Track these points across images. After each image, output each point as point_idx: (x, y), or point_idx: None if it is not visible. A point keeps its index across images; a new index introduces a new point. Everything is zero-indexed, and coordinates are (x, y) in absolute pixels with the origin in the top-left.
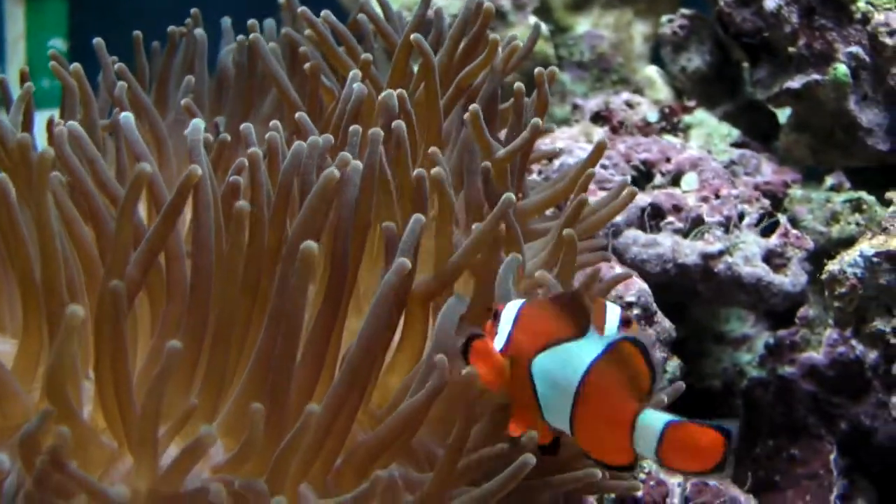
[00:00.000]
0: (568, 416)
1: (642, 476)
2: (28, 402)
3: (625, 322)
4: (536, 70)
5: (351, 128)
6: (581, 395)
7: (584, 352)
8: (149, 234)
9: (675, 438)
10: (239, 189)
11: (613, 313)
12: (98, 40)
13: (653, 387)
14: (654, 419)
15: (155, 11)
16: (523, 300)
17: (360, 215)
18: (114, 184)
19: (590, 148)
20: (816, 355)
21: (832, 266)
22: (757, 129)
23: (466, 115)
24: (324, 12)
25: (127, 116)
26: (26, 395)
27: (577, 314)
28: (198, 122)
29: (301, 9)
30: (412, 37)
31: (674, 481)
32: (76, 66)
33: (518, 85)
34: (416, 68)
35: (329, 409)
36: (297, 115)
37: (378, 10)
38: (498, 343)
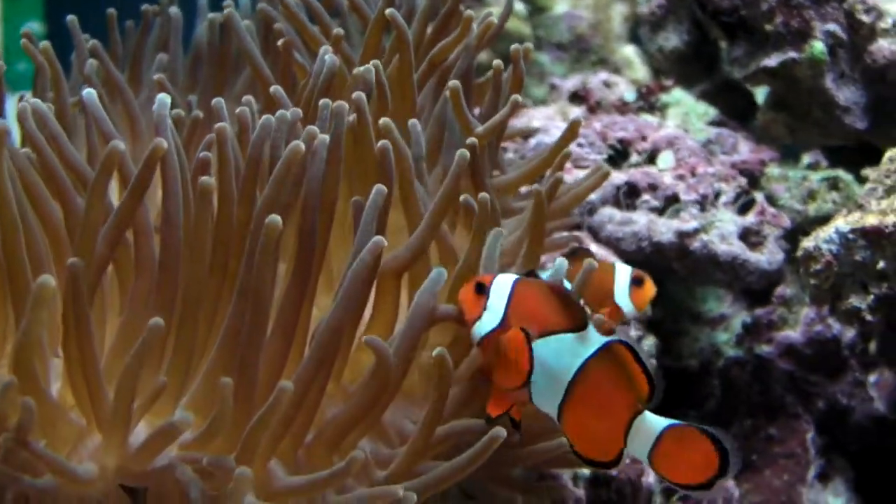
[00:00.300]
0: (558, 404)
1: None
2: None
3: (636, 281)
4: (512, 47)
5: (321, 101)
6: (576, 388)
7: (581, 346)
8: (116, 209)
9: (672, 444)
10: (209, 165)
11: (623, 273)
12: (71, 18)
13: (652, 393)
14: (654, 421)
15: None
16: (515, 277)
17: (326, 190)
18: (80, 161)
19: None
20: (794, 334)
21: (807, 243)
22: (734, 108)
23: (446, 92)
24: None
25: (90, 93)
26: None
27: (576, 306)
28: (164, 97)
29: None
30: (386, 11)
31: None
32: (45, 44)
33: (497, 62)
34: (388, 45)
35: (299, 384)
36: (271, 88)
37: None
38: (491, 321)
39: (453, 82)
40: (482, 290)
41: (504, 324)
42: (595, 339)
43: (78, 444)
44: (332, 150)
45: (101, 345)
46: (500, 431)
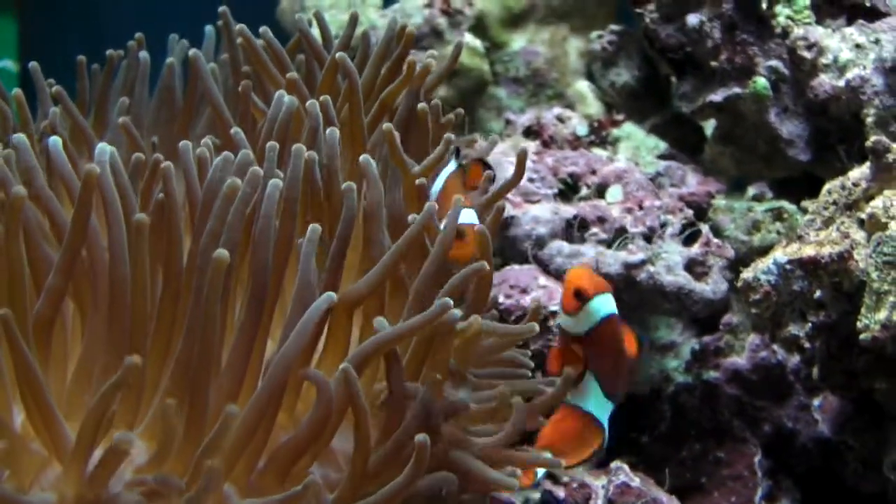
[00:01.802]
0: None
1: (565, 479)
2: None
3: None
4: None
5: (268, 144)
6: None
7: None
8: (65, 241)
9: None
10: (163, 205)
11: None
12: (34, 65)
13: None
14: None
15: (104, 30)
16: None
17: (283, 228)
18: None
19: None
20: (740, 360)
21: (746, 274)
22: (684, 142)
23: (383, 133)
24: (262, 29)
25: (55, 140)
26: None
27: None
28: (103, 146)
29: (239, 26)
30: (337, 55)
31: (597, 483)
32: (18, 92)
33: (422, 106)
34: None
35: (251, 413)
36: (231, 130)
37: (317, 31)
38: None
39: (387, 125)
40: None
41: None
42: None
43: (40, 473)
44: (289, 189)
45: (64, 372)
46: (423, 437)
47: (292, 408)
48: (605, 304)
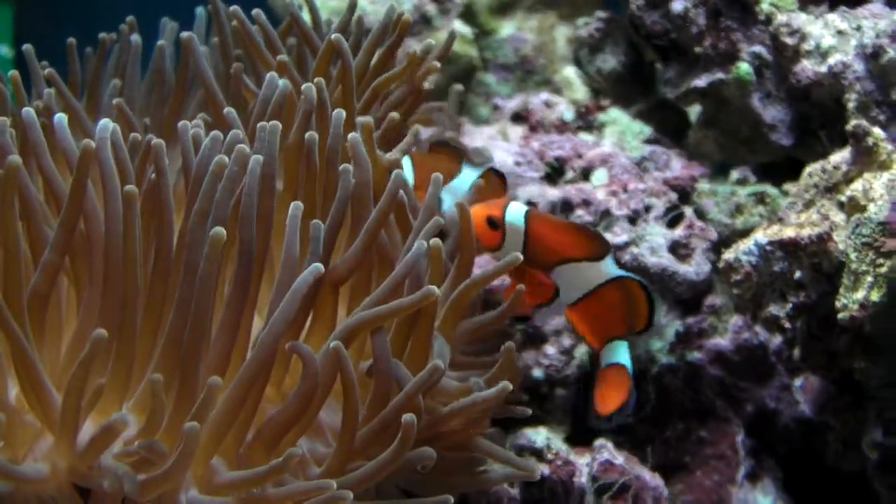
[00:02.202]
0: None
1: (550, 456)
2: None
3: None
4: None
5: (259, 124)
6: (587, 302)
7: (598, 272)
8: (61, 216)
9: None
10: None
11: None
12: (27, 47)
13: (647, 330)
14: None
15: (99, 16)
16: (525, 208)
17: (263, 205)
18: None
19: (506, 146)
20: (722, 341)
21: (728, 255)
22: (669, 127)
23: (359, 127)
24: (255, 12)
25: (61, 117)
26: None
27: (593, 238)
28: (106, 122)
29: (233, 8)
30: (333, 37)
31: (581, 461)
32: (14, 73)
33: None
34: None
35: (239, 387)
36: (224, 110)
37: (308, 16)
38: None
39: (365, 118)
40: (496, 227)
41: (525, 251)
42: (611, 271)
43: (33, 444)
44: (266, 166)
45: (59, 345)
46: (410, 417)
47: (280, 382)
48: (517, 212)
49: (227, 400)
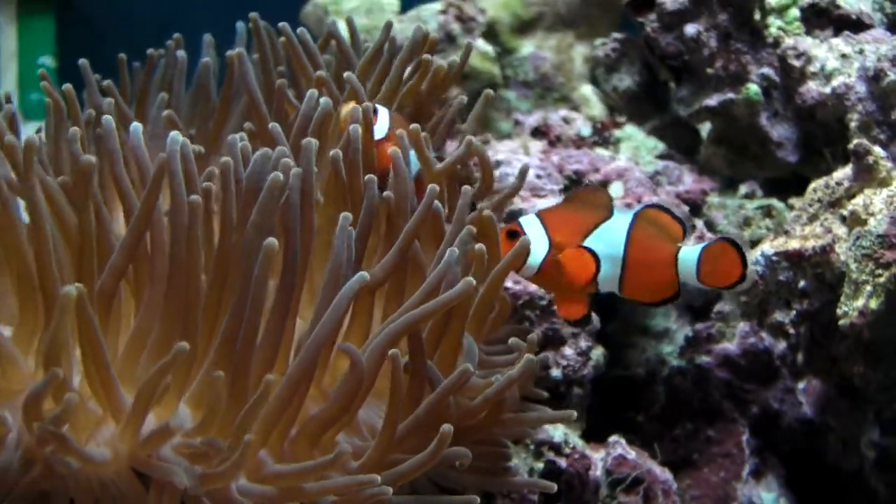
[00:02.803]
0: (618, 279)
1: (567, 450)
2: (26, 370)
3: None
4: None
5: (303, 140)
6: (628, 257)
7: (618, 225)
8: (132, 222)
9: (709, 259)
10: (211, 193)
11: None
12: (83, 61)
13: (685, 234)
14: (691, 250)
15: (136, 29)
16: (532, 213)
17: (305, 217)
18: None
19: (527, 159)
20: (730, 346)
21: None
22: (681, 143)
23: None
24: (300, 30)
25: (136, 127)
26: (25, 364)
27: (596, 201)
28: (175, 134)
29: (281, 24)
30: (344, 74)
31: (596, 455)
32: (69, 87)
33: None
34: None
35: (286, 386)
36: (269, 125)
37: (345, 32)
38: (540, 250)
39: (414, 126)
40: (516, 235)
41: (551, 249)
42: (625, 215)
43: (94, 430)
44: (303, 181)
45: (116, 341)
46: (448, 427)
47: (320, 379)
48: (528, 215)
49: (277, 397)
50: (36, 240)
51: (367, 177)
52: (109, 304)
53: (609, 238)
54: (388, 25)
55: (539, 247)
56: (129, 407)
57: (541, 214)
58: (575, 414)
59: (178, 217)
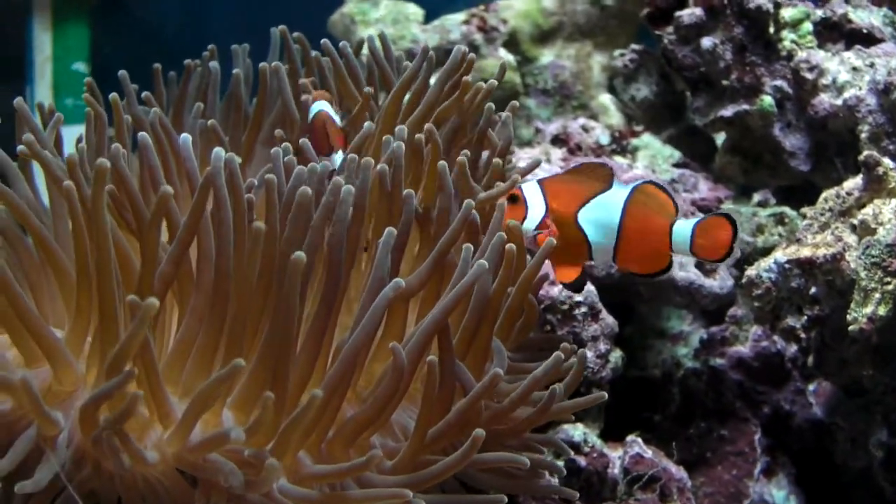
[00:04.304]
0: (612, 249)
1: (586, 449)
2: (79, 371)
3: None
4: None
5: (349, 155)
6: (624, 227)
7: (616, 196)
8: (178, 234)
9: (703, 232)
10: (252, 206)
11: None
12: (123, 72)
13: (677, 212)
14: (686, 222)
15: (168, 36)
16: (535, 180)
17: (352, 231)
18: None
19: (549, 168)
20: (743, 349)
21: (750, 271)
22: (697, 152)
23: (456, 167)
24: (342, 44)
25: (186, 137)
26: (77, 365)
27: (596, 173)
28: (219, 151)
29: (324, 42)
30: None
31: (615, 454)
32: (114, 96)
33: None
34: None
35: (326, 391)
36: (301, 141)
37: (378, 44)
38: (537, 216)
39: (461, 158)
40: (517, 200)
41: (547, 215)
42: (623, 188)
43: (143, 432)
44: (358, 198)
45: (161, 344)
46: (480, 432)
47: (355, 383)
48: (529, 182)
49: (316, 402)
50: (98, 247)
51: (406, 192)
52: (158, 310)
53: (606, 208)
54: (426, 50)
55: (536, 211)
56: (176, 411)
57: (541, 182)
58: (605, 395)
59: (224, 233)
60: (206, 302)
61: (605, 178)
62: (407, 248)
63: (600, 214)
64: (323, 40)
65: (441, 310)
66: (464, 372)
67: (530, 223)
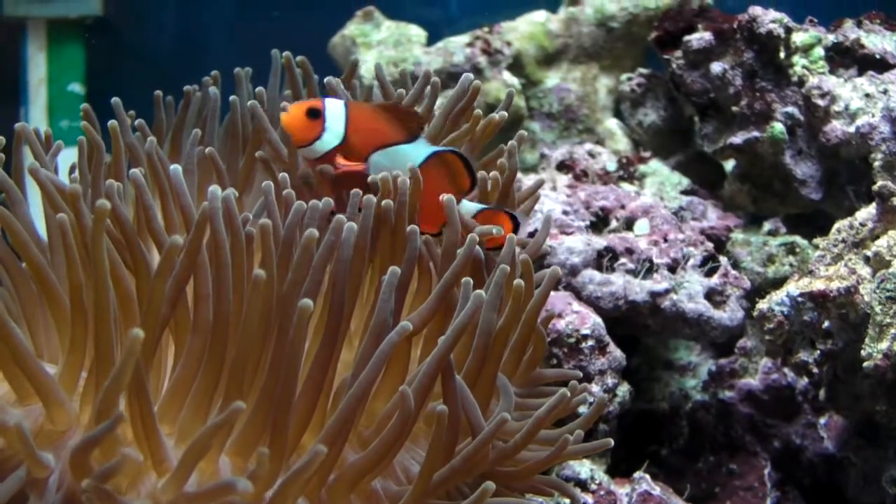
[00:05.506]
0: None
1: (593, 487)
2: (72, 411)
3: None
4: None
5: (353, 190)
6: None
7: (413, 153)
8: (175, 272)
9: (484, 221)
10: (252, 240)
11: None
12: (116, 100)
13: (472, 186)
14: (472, 205)
15: (164, 57)
16: (342, 100)
17: (353, 270)
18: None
19: (554, 196)
20: (753, 381)
21: (762, 305)
22: (705, 178)
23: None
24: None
25: (176, 170)
26: (70, 405)
27: (407, 121)
28: (215, 189)
29: (327, 79)
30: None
31: (622, 491)
32: (113, 123)
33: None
34: None
35: (327, 436)
36: (298, 172)
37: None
38: (332, 140)
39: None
40: (318, 115)
41: (344, 143)
42: (425, 148)
43: (136, 479)
44: (360, 237)
45: (156, 385)
46: (490, 486)
47: (357, 423)
48: (336, 101)
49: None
50: (97, 289)
51: (409, 227)
52: (154, 351)
53: (397, 160)
54: (428, 75)
55: (331, 136)
56: (171, 458)
57: (349, 107)
58: (612, 441)
59: (222, 275)
60: (204, 343)
61: (413, 131)
62: None
63: (392, 164)
64: (327, 78)
65: (442, 349)
66: (472, 407)
67: (322, 145)
